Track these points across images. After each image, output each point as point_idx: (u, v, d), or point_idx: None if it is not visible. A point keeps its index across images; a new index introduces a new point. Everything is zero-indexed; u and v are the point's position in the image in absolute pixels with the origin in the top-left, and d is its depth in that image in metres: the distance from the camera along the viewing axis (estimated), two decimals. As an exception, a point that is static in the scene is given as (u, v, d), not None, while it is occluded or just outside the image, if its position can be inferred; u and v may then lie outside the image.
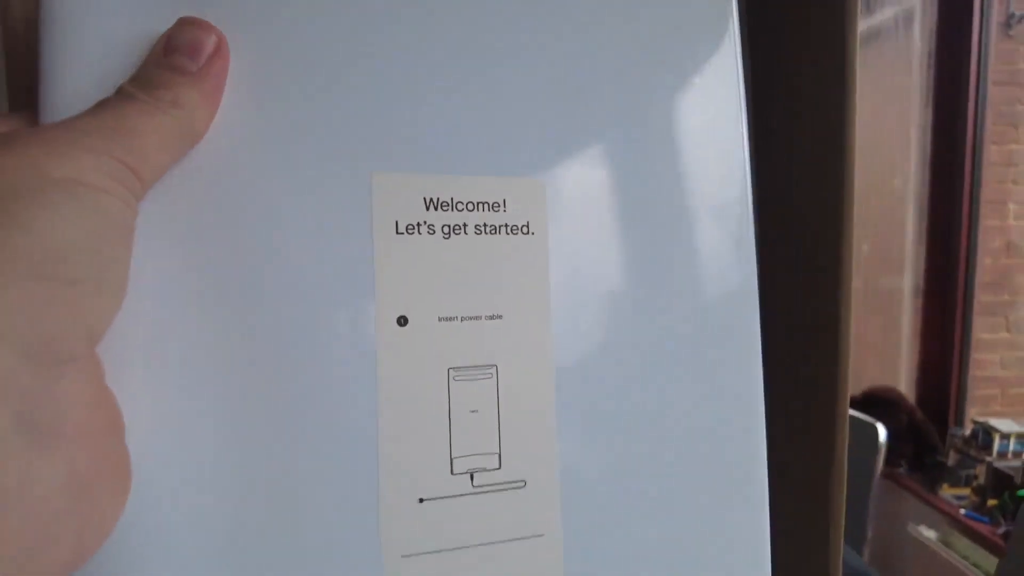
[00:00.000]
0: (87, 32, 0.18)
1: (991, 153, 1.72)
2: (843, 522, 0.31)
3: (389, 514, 0.20)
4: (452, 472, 0.20)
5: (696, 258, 0.24)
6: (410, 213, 0.21)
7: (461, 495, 0.20)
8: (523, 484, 0.21)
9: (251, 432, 0.19)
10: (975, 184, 1.69)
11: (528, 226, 0.22)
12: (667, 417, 0.23)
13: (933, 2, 1.76)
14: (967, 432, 1.63)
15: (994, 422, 1.55)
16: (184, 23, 0.18)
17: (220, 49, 0.18)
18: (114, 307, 0.16)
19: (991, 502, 1.47)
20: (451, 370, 0.21)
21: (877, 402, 1.70)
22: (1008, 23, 1.66)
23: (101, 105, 0.17)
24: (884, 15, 1.86)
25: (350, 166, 0.20)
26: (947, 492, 1.58)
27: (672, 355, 0.23)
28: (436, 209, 0.21)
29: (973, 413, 1.72)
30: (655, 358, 0.23)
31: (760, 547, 0.24)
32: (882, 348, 1.99)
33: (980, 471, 1.55)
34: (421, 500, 0.20)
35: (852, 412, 1.18)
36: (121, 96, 0.17)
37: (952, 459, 1.63)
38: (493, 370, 0.21)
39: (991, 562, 1.31)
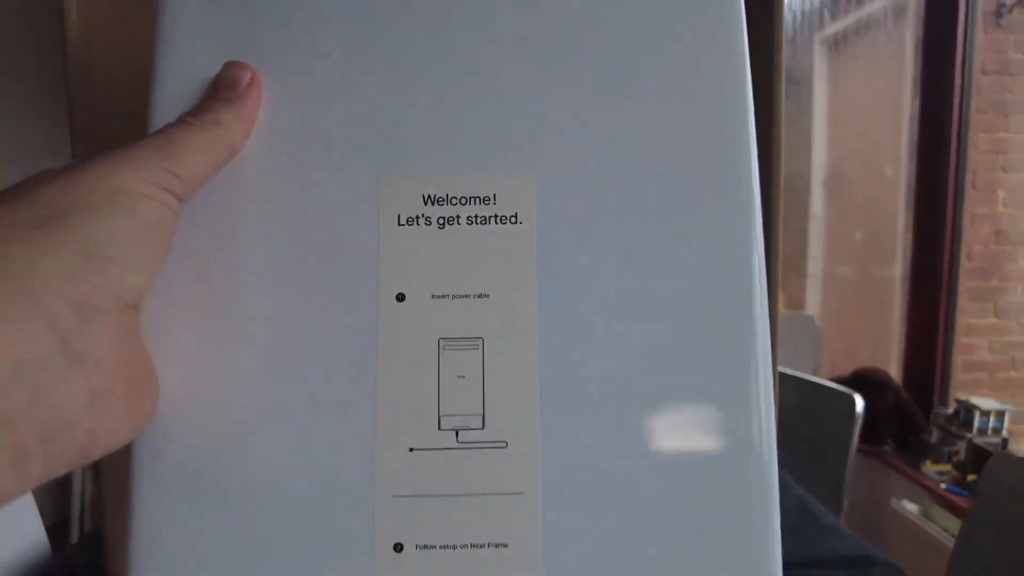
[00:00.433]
0: (190, 80, 0.25)
1: (981, 141, 1.74)
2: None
3: (382, 458, 0.23)
4: (440, 428, 0.24)
5: (680, 248, 0.25)
6: (410, 208, 0.24)
7: (447, 448, 0.24)
8: (505, 444, 0.24)
9: (271, 380, 0.24)
10: (960, 171, 1.72)
11: (516, 216, 0.25)
12: (648, 390, 0.24)
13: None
14: (950, 411, 1.67)
15: (975, 400, 1.59)
16: (227, 65, 0.25)
17: (254, 82, 0.25)
18: (141, 280, 0.21)
19: (971, 477, 1.52)
20: (442, 340, 0.24)
21: (864, 383, 1.73)
22: (999, 12, 1.68)
23: (160, 129, 0.23)
24: (874, 6, 1.87)
25: (363, 171, 0.24)
26: (930, 468, 1.63)
27: (653, 335, 0.24)
28: (433, 204, 0.25)
29: (960, 396, 1.76)
30: (638, 338, 0.24)
31: (750, 507, 0.24)
32: (875, 334, 2.03)
33: (961, 447, 1.59)
34: (411, 449, 0.23)
35: (831, 384, 1.21)
36: (176, 122, 0.24)
37: (935, 437, 1.67)
38: (479, 342, 0.24)
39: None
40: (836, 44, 2.17)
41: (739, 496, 0.24)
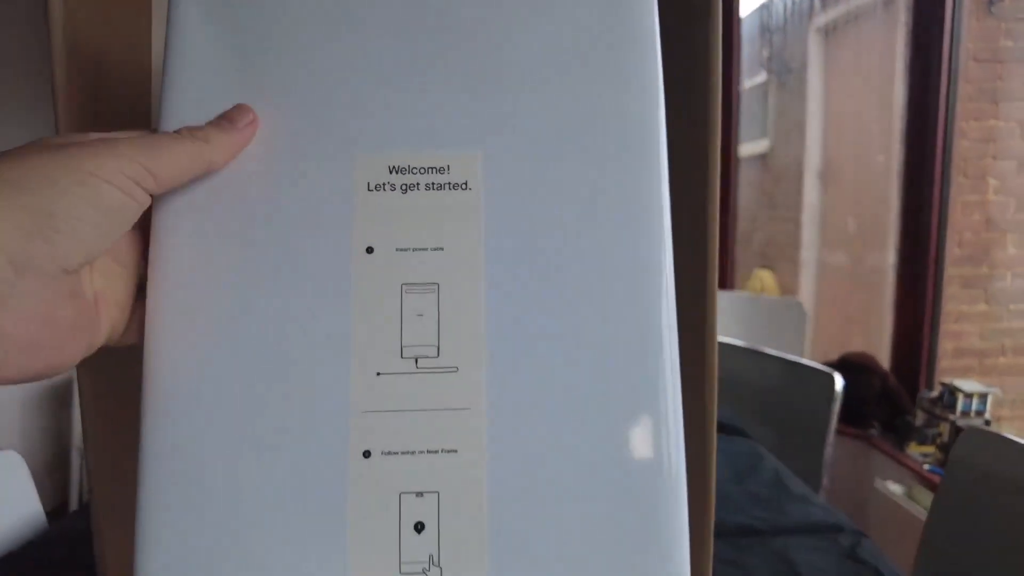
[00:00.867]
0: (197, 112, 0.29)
1: (972, 129, 1.77)
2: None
3: (355, 381, 0.29)
4: (402, 356, 0.29)
5: (607, 203, 0.30)
6: (378, 176, 0.30)
7: (408, 373, 0.29)
8: (456, 369, 0.29)
9: (257, 318, 0.29)
10: (946, 159, 1.74)
11: (467, 184, 0.30)
12: (579, 330, 0.29)
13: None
14: (935, 394, 1.70)
15: (959, 383, 1.61)
16: (235, 106, 0.29)
17: (252, 123, 0.29)
18: (82, 255, 0.24)
19: (953, 459, 1.56)
20: (404, 285, 0.29)
21: (851, 367, 1.77)
22: (991, 0, 1.71)
23: (153, 130, 0.27)
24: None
25: (339, 149, 0.30)
26: (914, 450, 1.66)
27: (580, 278, 0.29)
28: (397, 173, 0.30)
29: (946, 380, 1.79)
30: (571, 282, 0.29)
31: (662, 433, 0.29)
32: (866, 321, 2.07)
33: (945, 429, 1.62)
34: (378, 374, 0.29)
35: (810, 363, 1.25)
36: (171, 132, 0.27)
37: (920, 419, 1.69)
38: (435, 287, 0.29)
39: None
40: (827, 33, 2.20)
41: (643, 409, 0.29)
